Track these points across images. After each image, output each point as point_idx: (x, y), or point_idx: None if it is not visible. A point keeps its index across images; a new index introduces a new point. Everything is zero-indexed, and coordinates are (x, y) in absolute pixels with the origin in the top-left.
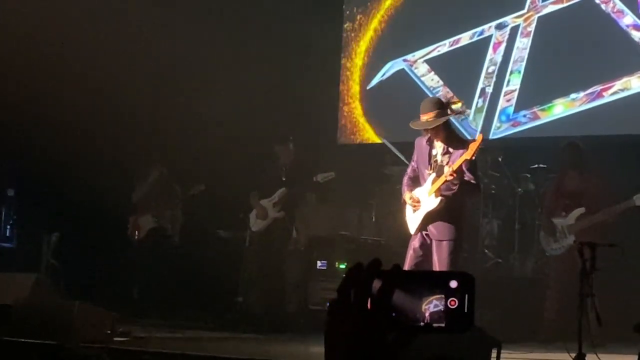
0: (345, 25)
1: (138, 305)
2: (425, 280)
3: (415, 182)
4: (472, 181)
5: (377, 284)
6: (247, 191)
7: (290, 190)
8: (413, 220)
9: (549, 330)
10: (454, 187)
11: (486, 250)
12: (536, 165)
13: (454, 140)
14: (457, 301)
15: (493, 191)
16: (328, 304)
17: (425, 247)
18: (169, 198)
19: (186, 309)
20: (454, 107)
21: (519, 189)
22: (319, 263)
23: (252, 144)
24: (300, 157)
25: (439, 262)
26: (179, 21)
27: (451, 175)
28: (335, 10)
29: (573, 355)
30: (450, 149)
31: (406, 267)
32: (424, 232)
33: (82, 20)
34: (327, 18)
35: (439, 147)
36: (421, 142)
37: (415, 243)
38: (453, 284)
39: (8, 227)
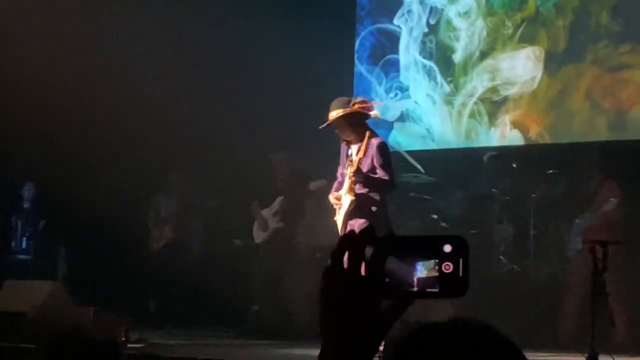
0: None
1: (154, 315)
2: (419, 245)
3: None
4: (384, 177)
5: (370, 250)
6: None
7: (288, 199)
8: (339, 220)
9: (565, 334)
10: (363, 186)
11: (501, 257)
12: (550, 171)
13: (367, 139)
14: (451, 265)
15: (508, 197)
16: (323, 271)
17: None
18: (187, 208)
19: (202, 318)
20: (355, 105)
21: (534, 195)
22: None
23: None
24: (298, 165)
25: None
26: (187, 30)
27: (350, 177)
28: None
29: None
30: (363, 148)
31: None
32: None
33: (98, 28)
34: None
35: (354, 146)
36: (342, 146)
37: None
38: (447, 248)
39: (24, 239)
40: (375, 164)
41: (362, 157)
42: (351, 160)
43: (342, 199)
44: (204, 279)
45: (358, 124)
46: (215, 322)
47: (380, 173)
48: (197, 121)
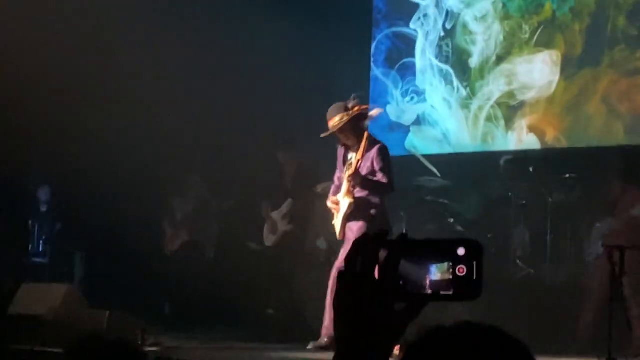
0: None
1: (170, 318)
2: (433, 248)
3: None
4: (382, 180)
5: (384, 254)
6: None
7: (297, 201)
8: (337, 224)
9: (582, 339)
10: (361, 189)
11: (518, 261)
12: (567, 175)
13: (367, 143)
14: (465, 269)
15: (524, 201)
16: (337, 274)
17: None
18: (204, 211)
19: (218, 321)
20: (355, 108)
21: (550, 199)
22: None
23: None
24: (306, 165)
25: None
26: (204, 34)
27: (349, 180)
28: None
29: None
30: (362, 151)
31: (333, 271)
32: (347, 234)
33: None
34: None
35: (353, 151)
36: (340, 149)
37: (342, 248)
38: (461, 251)
39: (41, 242)
40: (375, 167)
41: (361, 160)
42: (350, 164)
43: (340, 203)
44: (219, 282)
45: (358, 126)
46: (231, 325)
47: (379, 176)
48: (213, 123)
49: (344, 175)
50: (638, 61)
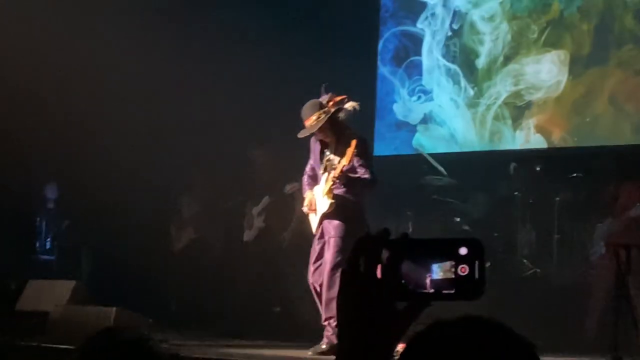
0: None
1: (176, 315)
2: (434, 247)
3: (315, 180)
4: (365, 175)
5: (386, 253)
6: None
7: (273, 199)
8: (314, 220)
9: (588, 337)
10: (343, 187)
11: (524, 260)
12: (574, 175)
13: (345, 137)
14: (467, 268)
15: (531, 201)
16: (340, 274)
17: (324, 244)
18: (209, 209)
19: (224, 318)
20: (330, 103)
21: (557, 198)
22: None
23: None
24: (281, 163)
25: (325, 258)
26: (207, 31)
27: (334, 180)
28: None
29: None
30: (341, 147)
31: (310, 266)
32: (322, 231)
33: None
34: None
35: (331, 146)
36: (314, 142)
37: (315, 242)
38: (463, 250)
39: (48, 239)
40: (355, 163)
41: (347, 165)
42: (328, 160)
43: (318, 201)
44: (225, 279)
45: (336, 122)
46: (237, 322)
47: (360, 172)
48: (219, 122)
49: (321, 172)
50: None
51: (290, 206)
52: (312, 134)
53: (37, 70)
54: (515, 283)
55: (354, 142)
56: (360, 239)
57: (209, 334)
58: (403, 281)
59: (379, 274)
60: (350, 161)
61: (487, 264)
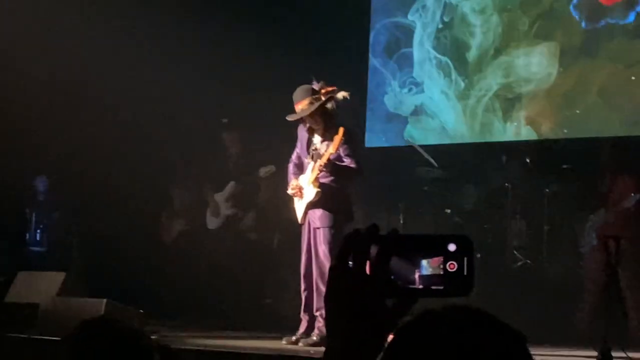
0: None
1: (167, 306)
2: (423, 243)
3: (300, 168)
4: (352, 165)
5: (375, 249)
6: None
7: (239, 184)
8: (299, 209)
9: (578, 329)
10: (330, 176)
11: (515, 252)
12: (565, 166)
13: (333, 126)
14: (456, 264)
15: (522, 192)
16: (328, 270)
17: (311, 234)
18: (201, 200)
19: (216, 309)
20: (323, 91)
21: (547, 190)
22: None
23: None
24: (250, 147)
25: (315, 249)
26: (198, 26)
27: (320, 169)
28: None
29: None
30: (328, 136)
31: (302, 257)
32: (308, 220)
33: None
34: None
35: (318, 134)
36: (302, 130)
37: (304, 233)
38: (451, 247)
39: (38, 231)
40: (341, 152)
41: (334, 153)
42: (315, 149)
43: (304, 189)
44: (217, 270)
45: (327, 110)
46: (229, 313)
47: (347, 161)
48: (212, 112)
49: (308, 160)
50: (635, 53)
51: (261, 191)
52: (300, 119)
53: (27, 63)
54: (506, 274)
55: (341, 131)
56: (349, 235)
57: (201, 326)
58: (392, 277)
59: (368, 270)
60: (337, 149)
61: (477, 256)
